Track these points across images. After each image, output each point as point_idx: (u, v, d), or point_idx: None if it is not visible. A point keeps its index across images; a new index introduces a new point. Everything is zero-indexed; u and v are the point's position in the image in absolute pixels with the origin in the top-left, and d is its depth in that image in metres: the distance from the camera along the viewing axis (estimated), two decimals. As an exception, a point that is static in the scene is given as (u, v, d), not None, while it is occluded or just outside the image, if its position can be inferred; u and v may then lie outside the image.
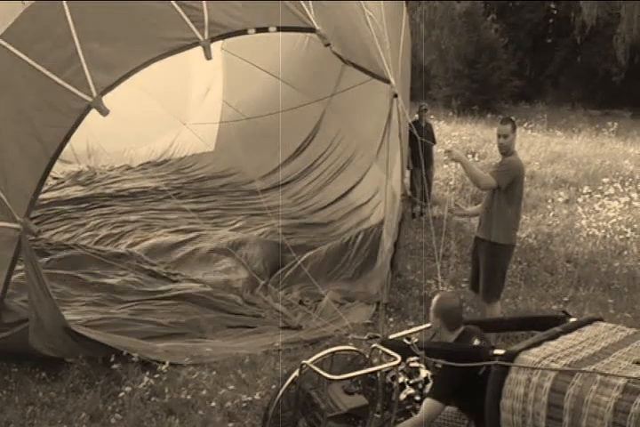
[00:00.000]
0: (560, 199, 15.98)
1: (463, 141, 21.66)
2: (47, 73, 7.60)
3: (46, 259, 10.50)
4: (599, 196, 15.96)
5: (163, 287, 10.03)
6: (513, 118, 8.92)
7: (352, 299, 9.98)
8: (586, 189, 16.42)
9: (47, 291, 7.52)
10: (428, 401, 5.59)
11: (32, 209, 7.54)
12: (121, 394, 7.19)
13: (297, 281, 10.66)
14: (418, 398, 5.95)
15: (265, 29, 8.46)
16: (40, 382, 7.45)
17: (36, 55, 7.69)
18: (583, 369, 4.76)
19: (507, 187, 8.38)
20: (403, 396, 6.02)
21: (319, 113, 14.25)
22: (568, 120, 29.28)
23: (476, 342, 5.77)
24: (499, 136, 8.57)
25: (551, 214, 14.95)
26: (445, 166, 17.20)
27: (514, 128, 8.54)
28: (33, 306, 7.49)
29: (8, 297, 7.67)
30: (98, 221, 12.88)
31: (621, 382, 4.55)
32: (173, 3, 8.05)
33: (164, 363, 7.74)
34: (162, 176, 16.04)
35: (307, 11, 8.69)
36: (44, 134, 7.55)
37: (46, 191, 13.64)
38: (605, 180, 17.22)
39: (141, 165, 17.00)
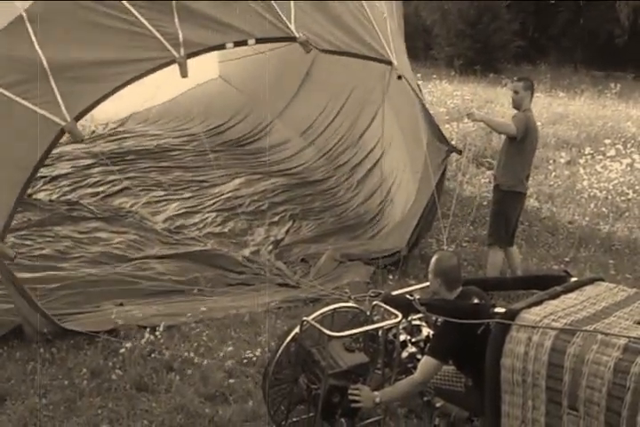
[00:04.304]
0: (562, 160, 15.93)
1: (465, 101, 21.54)
2: (18, 99, 7.31)
3: (48, 214, 10.55)
4: (601, 157, 15.92)
5: (162, 245, 10.05)
6: (529, 78, 9.51)
7: (353, 257, 9.96)
8: (588, 150, 16.37)
9: (36, 306, 7.41)
10: (425, 359, 5.58)
11: (6, 233, 7.32)
12: (121, 350, 7.20)
13: (300, 241, 10.70)
14: (419, 356, 5.96)
15: (244, 43, 8.24)
16: (41, 338, 7.44)
17: (5, 83, 7.39)
18: (584, 328, 4.76)
19: (521, 137, 8.87)
20: (404, 354, 6.04)
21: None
22: (571, 81, 29.12)
23: (476, 301, 5.77)
24: (513, 92, 9.18)
25: (553, 175, 14.91)
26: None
27: (527, 87, 9.09)
28: (25, 320, 7.45)
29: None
30: (98, 178, 12.88)
31: (622, 341, 4.54)
32: (146, 24, 7.77)
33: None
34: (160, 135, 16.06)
35: (284, 18, 8.38)
36: (18, 160, 7.32)
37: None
38: (607, 141, 17.14)
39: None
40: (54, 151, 13.11)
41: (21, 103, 7.27)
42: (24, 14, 7.56)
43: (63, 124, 7.22)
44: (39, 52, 7.42)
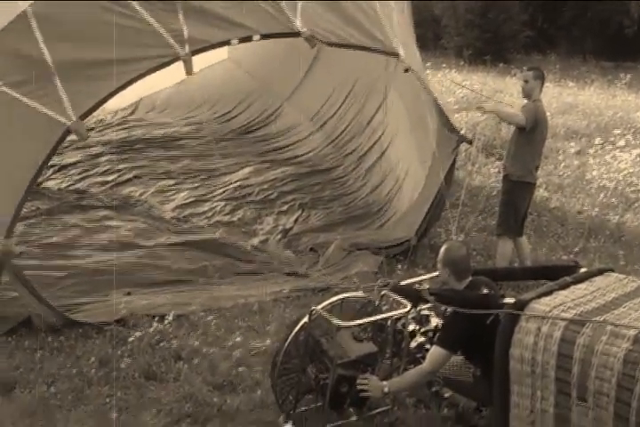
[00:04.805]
0: (571, 150, 15.86)
1: (475, 90, 21.48)
2: (22, 98, 7.25)
3: (56, 203, 10.56)
4: (610, 147, 15.86)
5: (171, 234, 10.06)
6: (539, 67, 9.61)
7: (362, 247, 9.96)
8: (597, 140, 16.31)
9: (44, 301, 7.40)
10: (434, 349, 5.60)
11: (12, 230, 7.23)
12: (130, 339, 7.22)
13: (309, 230, 10.70)
14: (428, 346, 5.95)
15: (248, 38, 8.17)
16: (49, 327, 7.45)
17: (10, 82, 7.32)
18: (594, 319, 4.75)
19: (530, 128, 8.88)
20: (413, 344, 6.04)
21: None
22: (580, 71, 29.03)
23: (485, 291, 5.77)
24: (523, 81, 9.22)
25: (562, 165, 14.84)
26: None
27: (537, 76, 9.10)
28: (32, 313, 7.45)
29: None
30: (107, 167, 12.89)
31: (632, 332, 4.54)
32: (151, 21, 7.71)
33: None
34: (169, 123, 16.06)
35: (288, 13, 8.31)
36: (22, 160, 7.27)
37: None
38: (617, 131, 17.05)
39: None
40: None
41: (26, 103, 7.21)
42: (29, 9, 7.49)
43: (68, 123, 7.16)
44: (44, 50, 7.37)
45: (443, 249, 5.93)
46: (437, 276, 6.17)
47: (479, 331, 5.28)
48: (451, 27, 35.28)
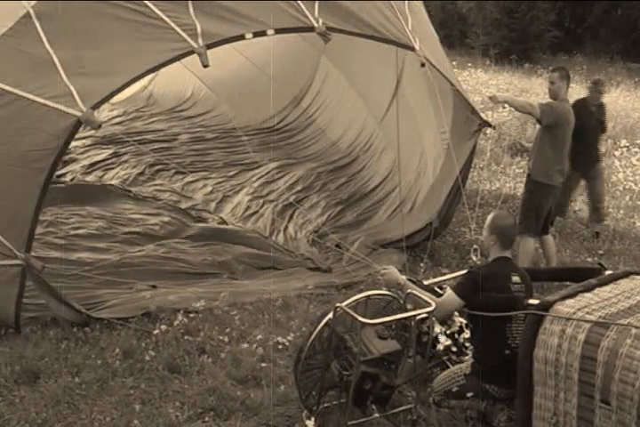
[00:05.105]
0: (598, 151, 15.82)
1: (500, 90, 21.39)
2: (29, 95, 7.11)
3: (81, 195, 10.62)
4: (637, 150, 15.82)
5: (196, 228, 10.11)
6: (564, 67, 9.54)
7: (386, 242, 10.00)
8: (623, 142, 16.27)
9: (69, 304, 7.42)
10: (448, 292, 5.91)
11: (32, 243, 7.17)
12: (155, 332, 7.27)
13: (335, 227, 10.72)
14: (454, 348, 6.00)
15: (262, 33, 8.11)
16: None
17: (14, 81, 7.21)
18: (618, 322, 4.76)
19: (549, 127, 8.97)
20: (440, 347, 6.08)
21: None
22: (607, 73, 28.87)
23: (515, 278, 5.81)
24: (549, 83, 9.30)
25: (587, 167, 14.80)
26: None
27: (562, 77, 9.12)
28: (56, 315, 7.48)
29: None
30: (132, 160, 12.94)
31: (657, 335, 4.55)
32: (162, 15, 7.66)
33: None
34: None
35: (303, 8, 8.29)
36: (32, 160, 7.07)
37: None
38: (644, 134, 17.06)
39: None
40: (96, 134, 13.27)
41: (33, 99, 7.09)
42: (31, 11, 7.51)
43: (79, 114, 7.00)
44: (49, 49, 7.32)
45: (490, 216, 6.10)
46: (461, 275, 6.22)
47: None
48: (477, 25, 35.18)
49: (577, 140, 9.60)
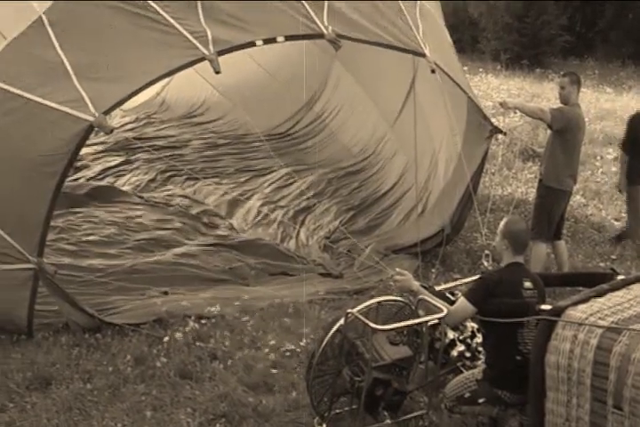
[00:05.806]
0: (609, 156, 15.72)
1: (512, 95, 21.36)
2: (40, 100, 7.11)
3: (95, 202, 10.64)
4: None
5: (207, 234, 10.11)
6: (574, 72, 9.57)
7: (398, 248, 9.99)
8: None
9: (81, 309, 7.45)
10: (461, 299, 5.85)
11: (44, 247, 7.22)
12: (166, 338, 7.29)
13: (348, 233, 10.69)
14: (468, 354, 5.99)
15: (273, 40, 8.14)
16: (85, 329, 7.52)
17: (25, 85, 7.21)
18: (631, 327, 4.75)
19: (560, 132, 8.97)
20: (454, 353, 6.08)
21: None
22: (618, 77, 28.82)
23: (527, 283, 5.79)
24: (560, 88, 9.23)
25: (599, 171, 14.77)
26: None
27: (572, 81, 9.10)
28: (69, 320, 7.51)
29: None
30: (144, 166, 12.94)
31: (669, 341, 4.53)
32: (173, 22, 7.69)
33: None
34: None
35: (312, 15, 8.30)
36: (43, 164, 7.07)
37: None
38: (656, 138, 16.93)
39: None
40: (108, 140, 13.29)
41: (45, 104, 7.11)
42: (43, 16, 7.54)
43: (91, 119, 7.01)
44: (61, 54, 7.35)
45: (503, 222, 6.10)
46: (473, 280, 6.21)
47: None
48: (488, 30, 35.13)
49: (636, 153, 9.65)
